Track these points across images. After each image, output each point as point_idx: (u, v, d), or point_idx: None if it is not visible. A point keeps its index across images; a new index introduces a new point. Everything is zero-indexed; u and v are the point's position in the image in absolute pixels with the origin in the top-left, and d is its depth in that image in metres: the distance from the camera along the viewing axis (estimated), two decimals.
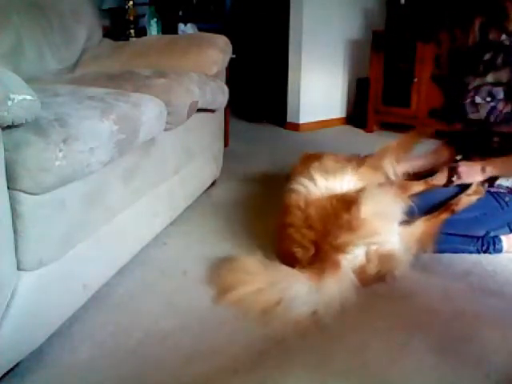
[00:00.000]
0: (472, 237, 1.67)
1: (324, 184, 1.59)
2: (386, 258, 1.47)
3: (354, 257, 1.44)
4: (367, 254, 1.45)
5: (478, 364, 1.17)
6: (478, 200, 1.61)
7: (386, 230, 1.48)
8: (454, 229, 1.65)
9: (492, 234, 1.67)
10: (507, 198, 1.61)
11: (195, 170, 2.09)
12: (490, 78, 1.62)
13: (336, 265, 1.40)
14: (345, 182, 1.61)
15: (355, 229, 1.42)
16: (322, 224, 1.49)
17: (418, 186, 1.66)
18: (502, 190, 1.61)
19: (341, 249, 1.42)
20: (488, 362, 1.17)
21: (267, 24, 4.11)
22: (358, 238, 1.43)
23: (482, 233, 1.66)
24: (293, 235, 1.53)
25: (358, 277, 1.42)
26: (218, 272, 1.55)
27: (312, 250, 1.48)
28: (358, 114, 4.05)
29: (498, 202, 1.61)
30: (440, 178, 1.68)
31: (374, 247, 1.46)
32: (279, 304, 1.32)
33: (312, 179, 1.61)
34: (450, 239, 1.67)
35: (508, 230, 1.66)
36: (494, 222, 1.64)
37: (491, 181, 1.67)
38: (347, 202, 1.49)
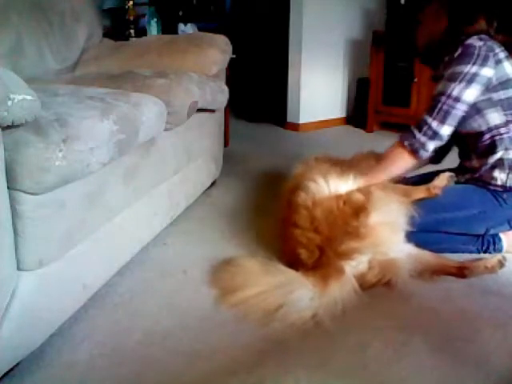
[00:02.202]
0: (472, 235, 1.67)
1: (331, 185, 1.57)
2: (387, 267, 1.46)
3: (356, 264, 1.44)
4: (370, 262, 1.45)
5: (478, 364, 1.17)
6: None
7: (393, 240, 1.47)
8: (454, 227, 1.65)
9: (492, 231, 1.66)
10: (505, 195, 1.60)
11: (195, 169, 2.09)
12: None
13: (340, 272, 1.40)
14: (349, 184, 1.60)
15: (362, 237, 1.41)
16: (328, 228, 1.47)
17: (419, 193, 1.61)
18: (498, 189, 1.61)
19: (346, 256, 1.42)
20: (488, 362, 1.17)
21: (267, 24, 4.10)
22: (365, 246, 1.42)
23: (481, 231, 1.66)
24: (298, 237, 1.52)
25: (357, 282, 1.42)
26: (220, 274, 1.55)
27: (317, 254, 1.47)
28: (358, 114, 4.05)
29: (496, 199, 1.61)
30: (440, 182, 1.66)
31: (377, 256, 1.46)
32: (281, 308, 1.32)
33: (319, 180, 1.59)
34: (450, 238, 1.67)
35: (508, 227, 1.66)
36: (493, 220, 1.64)
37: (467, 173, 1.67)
38: (355, 207, 1.47)
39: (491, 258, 1.59)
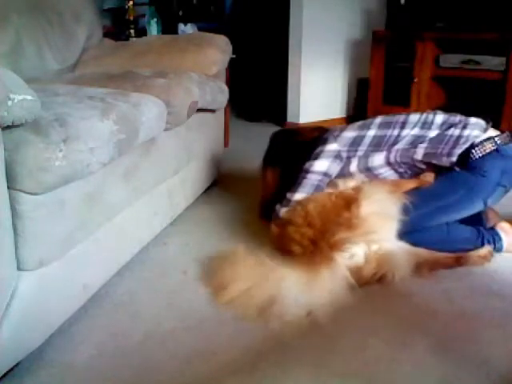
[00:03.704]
0: (476, 220, 1.68)
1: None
2: (384, 261, 1.47)
3: (350, 255, 1.44)
4: (366, 255, 1.45)
5: (478, 364, 1.17)
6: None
7: (385, 229, 1.49)
8: (451, 213, 1.66)
9: (490, 201, 1.66)
10: (476, 168, 1.61)
11: (195, 169, 2.09)
12: None
13: (328, 259, 1.41)
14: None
15: (354, 227, 1.43)
16: (320, 221, 1.50)
17: (410, 183, 1.67)
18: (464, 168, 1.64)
19: (337, 246, 1.43)
20: (488, 362, 1.17)
21: (267, 24, 4.10)
22: (356, 235, 1.43)
23: (480, 206, 1.66)
24: (292, 234, 1.54)
25: (354, 276, 1.42)
26: (212, 270, 1.55)
27: (310, 248, 1.48)
28: (358, 113, 4.05)
29: (474, 174, 1.62)
30: (430, 175, 1.69)
31: (373, 248, 1.46)
32: (272, 304, 1.32)
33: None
34: (449, 238, 1.67)
35: (503, 189, 1.66)
36: (483, 191, 1.64)
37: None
38: (347, 200, 1.50)
39: (482, 249, 1.64)
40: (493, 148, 1.62)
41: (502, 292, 1.49)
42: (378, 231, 1.47)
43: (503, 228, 1.71)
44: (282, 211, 1.66)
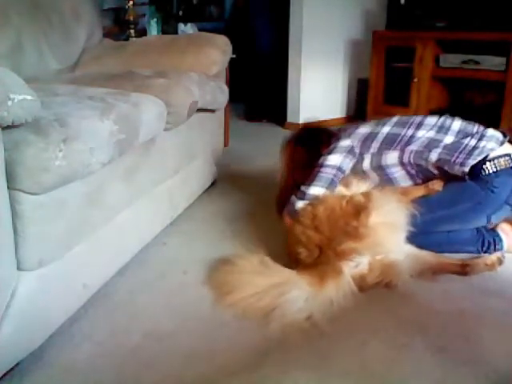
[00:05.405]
0: (477, 230, 1.68)
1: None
2: (388, 269, 1.47)
3: (355, 264, 1.44)
4: (370, 264, 1.45)
5: (478, 364, 1.17)
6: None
7: (392, 240, 1.48)
8: (455, 224, 1.66)
9: (494, 218, 1.66)
10: (488, 182, 1.60)
11: (195, 169, 2.09)
12: None
13: (337, 272, 1.40)
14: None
15: (361, 237, 1.42)
16: (328, 227, 1.48)
17: (419, 191, 1.67)
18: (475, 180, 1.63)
19: (344, 256, 1.42)
20: (488, 362, 1.17)
21: (267, 23, 4.09)
22: (363, 247, 1.42)
23: (483, 221, 1.66)
24: (299, 235, 1.53)
25: (357, 284, 1.42)
26: (217, 274, 1.55)
27: (316, 253, 1.48)
28: (359, 113, 4.05)
29: (483, 188, 1.61)
30: (438, 183, 1.69)
31: (378, 257, 1.46)
32: (276, 309, 1.32)
33: None
34: (450, 240, 1.67)
35: (509, 208, 1.65)
36: (490, 207, 1.63)
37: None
38: (357, 207, 1.49)
39: (490, 256, 1.61)
40: (508, 165, 1.61)
41: (502, 292, 1.49)
42: (385, 243, 1.46)
43: (504, 229, 1.71)
44: (298, 204, 1.64)
